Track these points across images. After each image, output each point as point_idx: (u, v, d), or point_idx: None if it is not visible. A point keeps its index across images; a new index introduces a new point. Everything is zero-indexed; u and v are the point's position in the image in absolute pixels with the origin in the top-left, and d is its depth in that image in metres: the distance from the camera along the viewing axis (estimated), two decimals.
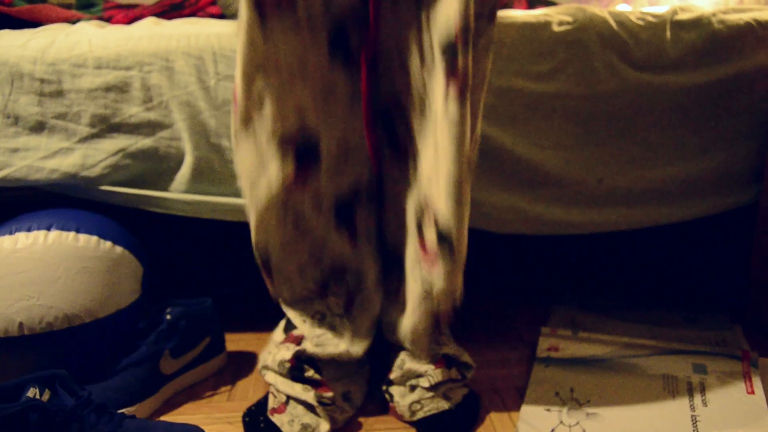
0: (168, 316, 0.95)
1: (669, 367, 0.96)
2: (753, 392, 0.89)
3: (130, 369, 0.90)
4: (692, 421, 0.84)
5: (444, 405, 0.87)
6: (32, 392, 0.73)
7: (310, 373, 0.87)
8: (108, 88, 1.00)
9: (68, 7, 1.41)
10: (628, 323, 1.13)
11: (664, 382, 0.92)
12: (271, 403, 0.88)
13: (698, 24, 1.06)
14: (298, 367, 0.87)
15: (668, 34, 1.05)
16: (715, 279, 1.29)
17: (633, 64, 1.05)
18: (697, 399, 0.88)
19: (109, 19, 1.28)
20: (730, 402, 0.87)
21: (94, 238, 0.91)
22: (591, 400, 0.89)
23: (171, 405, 0.94)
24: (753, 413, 0.85)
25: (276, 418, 0.86)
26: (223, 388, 0.98)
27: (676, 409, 0.87)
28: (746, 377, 0.92)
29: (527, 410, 0.88)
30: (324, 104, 0.83)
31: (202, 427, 0.83)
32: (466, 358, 0.92)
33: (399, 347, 0.93)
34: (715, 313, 1.18)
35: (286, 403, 0.87)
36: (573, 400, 0.90)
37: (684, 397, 0.89)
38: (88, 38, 1.02)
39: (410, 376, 0.89)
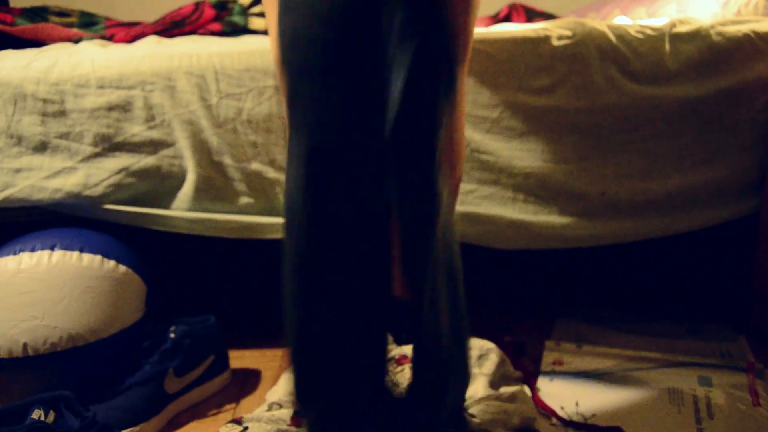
0: (172, 335, 0.95)
1: (674, 380, 0.96)
2: (759, 404, 0.88)
3: (134, 388, 0.90)
4: None
5: None
6: (37, 414, 0.73)
7: None
8: (110, 108, 1.01)
9: (70, 25, 1.41)
10: (633, 336, 1.12)
11: (669, 396, 0.92)
12: None
13: (697, 36, 1.06)
14: None
15: (667, 46, 1.06)
16: (718, 290, 1.29)
17: (633, 77, 1.05)
18: (703, 412, 0.88)
19: (111, 38, 1.29)
20: (736, 414, 0.87)
21: (98, 257, 0.92)
22: (596, 414, 0.89)
23: (175, 424, 0.94)
24: (759, 426, 0.84)
25: None
26: (228, 406, 0.98)
27: (682, 422, 0.86)
28: (752, 389, 0.92)
29: None
30: None
31: None
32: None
33: None
34: (719, 324, 1.17)
35: None
36: (578, 414, 0.89)
37: (690, 411, 0.88)
38: (90, 58, 1.02)
39: None
